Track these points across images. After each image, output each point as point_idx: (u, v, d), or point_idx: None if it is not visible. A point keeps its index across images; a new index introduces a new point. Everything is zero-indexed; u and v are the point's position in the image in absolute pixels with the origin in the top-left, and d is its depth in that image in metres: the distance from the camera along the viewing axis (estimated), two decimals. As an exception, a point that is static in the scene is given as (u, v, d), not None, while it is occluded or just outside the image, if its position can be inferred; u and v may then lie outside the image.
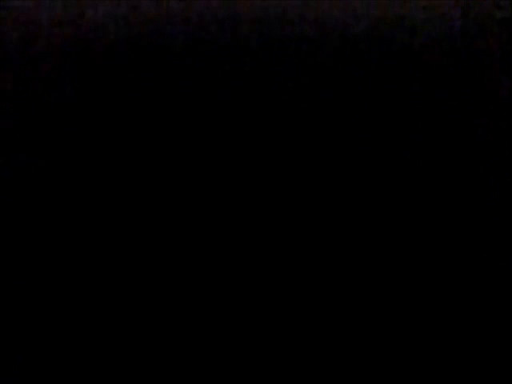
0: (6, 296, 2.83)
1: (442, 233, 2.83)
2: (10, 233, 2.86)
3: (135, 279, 2.84)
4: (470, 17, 2.79)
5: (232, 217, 2.83)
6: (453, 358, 2.78)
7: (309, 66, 2.78)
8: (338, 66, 2.74)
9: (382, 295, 2.82)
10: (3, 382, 2.76)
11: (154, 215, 2.87)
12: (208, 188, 2.90)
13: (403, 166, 2.84)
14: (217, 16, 2.82)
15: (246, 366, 2.79)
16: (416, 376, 2.76)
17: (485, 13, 2.80)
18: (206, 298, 2.84)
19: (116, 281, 2.86)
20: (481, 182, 2.84)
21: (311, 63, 2.77)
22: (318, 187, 2.86)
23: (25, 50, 2.87)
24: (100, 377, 2.78)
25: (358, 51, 2.73)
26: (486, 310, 2.81)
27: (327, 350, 2.78)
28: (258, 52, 2.83)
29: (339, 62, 2.73)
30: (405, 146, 2.79)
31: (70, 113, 2.84)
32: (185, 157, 2.87)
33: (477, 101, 2.77)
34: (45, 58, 2.86)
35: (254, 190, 2.86)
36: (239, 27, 2.85)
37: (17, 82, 2.86)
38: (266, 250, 2.83)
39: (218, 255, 2.84)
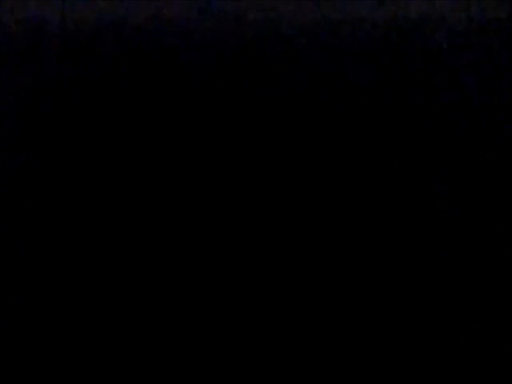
0: (6, 295, 2.84)
1: (442, 232, 2.83)
2: (9, 232, 2.86)
3: (134, 278, 2.85)
4: None
5: (232, 217, 2.84)
6: (452, 356, 2.79)
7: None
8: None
9: (382, 294, 2.82)
10: (3, 382, 2.78)
11: (153, 214, 2.87)
12: (207, 188, 2.91)
13: (405, 167, 2.85)
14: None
15: (246, 366, 2.80)
16: (416, 375, 2.77)
17: None
18: (206, 298, 2.85)
19: (114, 278, 2.87)
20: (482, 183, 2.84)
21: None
22: (321, 186, 2.86)
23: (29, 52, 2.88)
24: (100, 376, 2.79)
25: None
26: (485, 309, 2.82)
27: (326, 350, 2.79)
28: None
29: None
30: (408, 146, 2.78)
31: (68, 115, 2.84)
32: (185, 156, 2.88)
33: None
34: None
35: (254, 190, 2.87)
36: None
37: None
38: (266, 249, 2.83)
39: (217, 255, 2.84)
